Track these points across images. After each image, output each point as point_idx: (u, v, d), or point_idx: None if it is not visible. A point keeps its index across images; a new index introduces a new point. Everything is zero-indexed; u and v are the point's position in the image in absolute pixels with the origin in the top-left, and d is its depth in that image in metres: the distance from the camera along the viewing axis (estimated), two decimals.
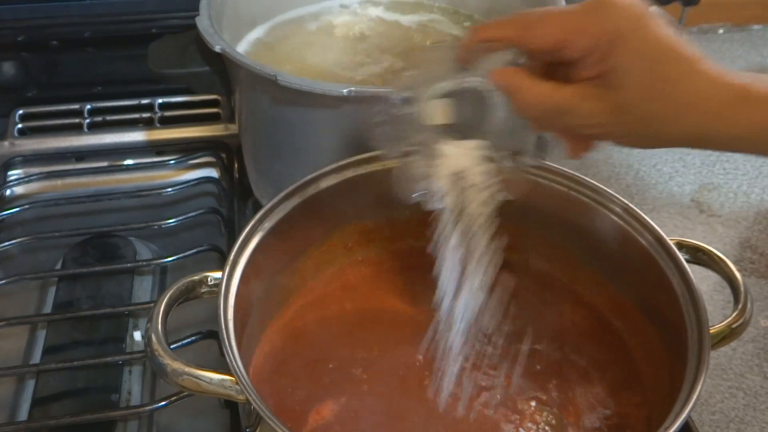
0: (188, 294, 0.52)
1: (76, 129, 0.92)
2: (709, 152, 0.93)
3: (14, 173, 0.87)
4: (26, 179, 0.86)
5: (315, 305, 0.62)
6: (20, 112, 0.93)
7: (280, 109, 0.66)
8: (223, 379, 0.47)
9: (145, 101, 0.95)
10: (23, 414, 0.63)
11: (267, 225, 0.56)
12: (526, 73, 0.47)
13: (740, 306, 0.53)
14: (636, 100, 0.44)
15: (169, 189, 0.84)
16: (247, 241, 0.55)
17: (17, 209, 0.82)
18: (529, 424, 0.54)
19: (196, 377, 0.47)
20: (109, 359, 0.66)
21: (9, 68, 1.01)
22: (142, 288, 0.74)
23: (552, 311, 0.62)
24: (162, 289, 0.75)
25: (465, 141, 0.52)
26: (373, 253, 0.66)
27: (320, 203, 0.60)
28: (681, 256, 0.54)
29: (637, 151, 0.92)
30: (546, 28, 0.46)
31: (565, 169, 0.61)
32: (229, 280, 0.52)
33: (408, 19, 0.84)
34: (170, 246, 0.79)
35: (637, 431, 0.54)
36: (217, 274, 0.52)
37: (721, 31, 1.16)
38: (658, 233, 0.56)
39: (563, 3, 0.71)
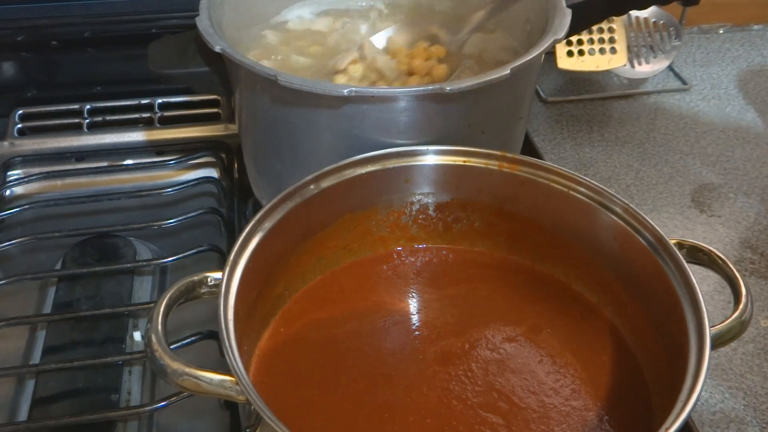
0: (188, 294, 0.52)
1: (76, 129, 0.92)
2: (709, 152, 0.93)
3: (14, 173, 0.87)
4: (26, 179, 0.86)
5: (315, 305, 0.62)
6: (20, 112, 0.93)
7: (280, 109, 0.66)
8: (223, 380, 0.47)
9: (145, 101, 0.95)
10: (23, 414, 0.63)
11: (267, 225, 0.56)
12: None
13: (740, 306, 0.53)
14: None
15: (169, 189, 0.84)
16: (247, 241, 0.55)
17: (17, 209, 0.82)
18: (532, 425, 0.54)
19: (196, 378, 0.47)
20: (109, 359, 0.66)
21: (9, 68, 1.01)
22: (142, 288, 0.74)
23: (552, 311, 0.62)
24: (162, 289, 0.75)
25: None
26: (373, 253, 0.66)
27: (320, 203, 0.60)
28: (681, 256, 0.54)
29: (637, 151, 0.92)
30: None
31: (565, 169, 0.61)
32: (229, 280, 0.52)
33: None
34: (170, 246, 0.79)
35: (637, 431, 0.54)
36: (217, 275, 0.52)
37: (721, 31, 1.17)
38: (658, 233, 0.56)
39: (563, 4, 0.71)
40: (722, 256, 0.56)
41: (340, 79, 0.72)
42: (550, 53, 0.98)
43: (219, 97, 0.94)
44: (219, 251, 0.75)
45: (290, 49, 0.79)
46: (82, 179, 0.87)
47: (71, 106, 0.94)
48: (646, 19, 1.02)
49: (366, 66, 0.72)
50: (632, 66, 1.01)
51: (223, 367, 0.47)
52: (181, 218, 0.79)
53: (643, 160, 0.91)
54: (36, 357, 0.68)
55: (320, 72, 0.76)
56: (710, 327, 0.50)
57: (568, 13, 0.69)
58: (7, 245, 0.76)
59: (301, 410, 0.54)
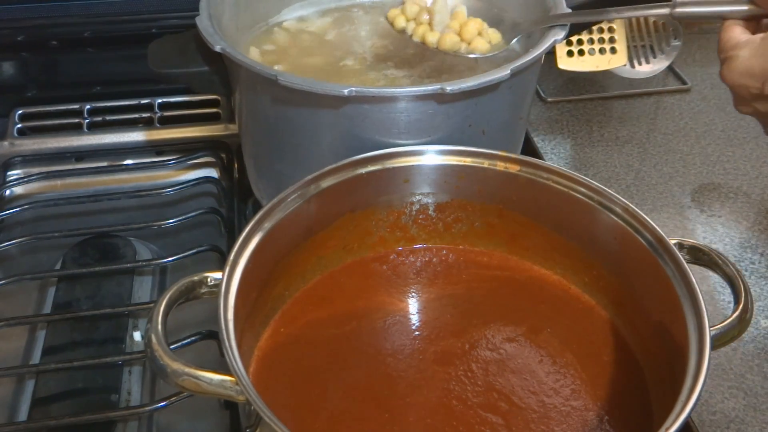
0: (188, 294, 0.52)
1: (76, 129, 0.92)
2: (709, 152, 0.93)
3: (14, 173, 0.88)
4: (26, 179, 0.86)
5: (315, 305, 0.62)
6: (20, 112, 0.93)
7: (280, 109, 0.66)
8: (223, 380, 0.47)
9: (144, 101, 0.95)
10: (23, 414, 0.63)
11: (267, 225, 0.56)
12: None
13: (741, 306, 0.53)
14: None
15: (169, 189, 0.84)
16: (247, 241, 0.55)
17: (17, 209, 0.82)
18: (532, 425, 0.54)
19: (196, 378, 0.47)
20: (108, 359, 0.66)
21: (9, 68, 1.01)
22: (142, 288, 0.74)
23: (552, 311, 0.62)
24: (162, 289, 0.75)
25: None
26: (373, 253, 0.66)
27: (320, 203, 0.60)
28: (681, 256, 0.54)
29: (637, 151, 0.92)
30: None
31: (565, 169, 0.61)
32: (229, 280, 0.52)
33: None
34: (170, 246, 0.79)
35: (637, 431, 0.54)
36: (217, 275, 0.52)
37: None
38: (658, 233, 0.56)
39: (564, 4, 0.71)
40: (722, 256, 0.55)
41: (394, 12, 0.74)
42: (550, 53, 0.98)
43: (219, 97, 0.95)
44: (219, 251, 0.75)
45: (297, 48, 0.79)
46: (82, 179, 0.87)
47: (71, 106, 0.94)
48: (646, 19, 1.02)
49: (423, 8, 0.73)
50: (632, 66, 1.01)
51: (223, 367, 0.47)
52: (181, 218, 0.79)
53: (643, 160, 0.91)
54: (36, 357, 0.68)
55: (330, 72, 0.76)
56: (710, 327, 0.50)
57: None
58: (7, 245, 0.76)
59: (301, 410, 0.54)
